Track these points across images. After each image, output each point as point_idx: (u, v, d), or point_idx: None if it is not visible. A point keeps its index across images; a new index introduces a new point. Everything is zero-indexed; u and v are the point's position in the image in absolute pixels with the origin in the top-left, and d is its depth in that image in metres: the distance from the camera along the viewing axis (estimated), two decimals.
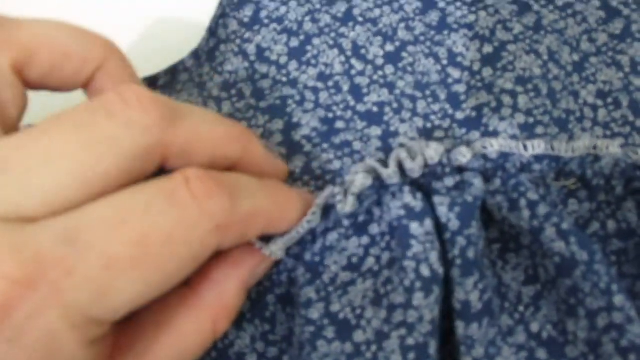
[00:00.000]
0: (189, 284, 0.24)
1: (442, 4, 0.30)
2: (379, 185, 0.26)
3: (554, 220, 0.25)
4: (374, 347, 0.24)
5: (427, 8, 0.30)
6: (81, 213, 0.19)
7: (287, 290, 0.27)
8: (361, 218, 0.26)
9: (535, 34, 0.30)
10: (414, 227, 0.25)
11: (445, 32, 0.30)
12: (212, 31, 0.31)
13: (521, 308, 0.26)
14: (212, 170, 0.21)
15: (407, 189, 0.25)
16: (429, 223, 0.25)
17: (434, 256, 0.24)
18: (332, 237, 0.26)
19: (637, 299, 0.26)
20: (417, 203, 0.25)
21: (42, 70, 0.23)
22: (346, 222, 0.26)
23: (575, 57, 0.30)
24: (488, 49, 0.29)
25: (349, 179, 0.25)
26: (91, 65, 0.24)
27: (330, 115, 0.29)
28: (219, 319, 0.23)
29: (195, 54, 0.31)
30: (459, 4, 0.30)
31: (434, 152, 0.26)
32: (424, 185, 0.26)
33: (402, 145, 0.27)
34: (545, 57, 0.29)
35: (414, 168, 0.26)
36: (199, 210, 0.20)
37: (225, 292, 0.24)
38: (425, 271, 0.24)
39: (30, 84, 0.24)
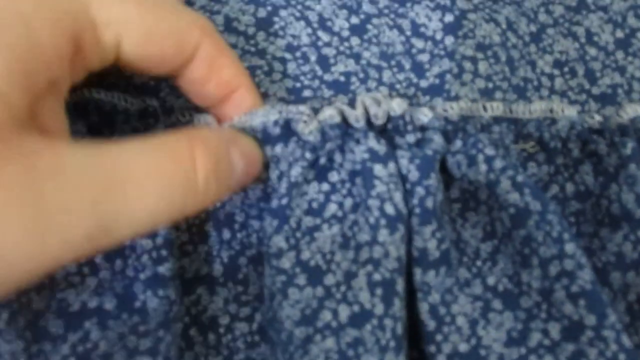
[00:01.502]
0: None
1: None
2: (345, 128, 0.27)
3: (509, 173, 0.27)
4: (343, 288, 0.25)
5: None
6: None
7: (257, 251, 0.28)
8: (322, 161, 0.28)
9: (494, 4, 0.32)
10: (378, 168, 0.26)
11: (408, 4, 0.31)
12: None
13: (479, 263, 0.28)
14: None
15: (371, 134, 0.27)
16: (392, 166, 0.27)
17: (397, 196, 0.26)
18: (296, 171, 0.27)
19: (594, 256, 0.29)
20: (381, 147, 0.27)
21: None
22: (308, 155, 0.27)
23: (533, 28, 0.32)
24: (449, 17, 0.31)
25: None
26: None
27: (298, 85, 0.30)
28: (195, 146, 0.22)
29: None
30: None
31: (396, 105, 0.28)
32: (387, 139, 0.28)
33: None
34: (504, 26, 0.31)
35: (378, 114, 0.27)
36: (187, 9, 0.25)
37: (204, 130, 0.25)
38: (389, 209, 0.26)
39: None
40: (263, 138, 0.27)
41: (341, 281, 0.26)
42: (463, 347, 0.26)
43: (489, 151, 0.28)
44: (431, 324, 0.26)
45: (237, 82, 0.27)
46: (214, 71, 0.26)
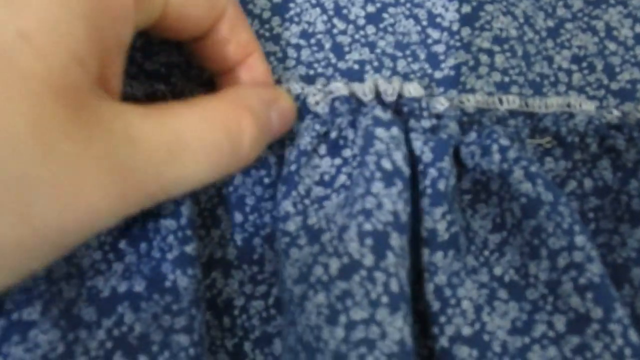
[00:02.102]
0: None
1: None
2: (356, 105, 0.28)
3: (522, 163, 0.27)
4: (335, 241, 0.25)
5: None
6: None
7: (272, 229, 0.29)
8: (333, 135, 0.28)
9: None
10: (379, 130, 0.27)
11: None
12: None
13: (486, 252, 0.28)
14: None
15: (378, 106, 0.28)
16: (395, 130, 0.27)
17: (397, 155, 0.26)
18: (305, 140, 0.28)
19: (614, 252, 0.28)
20: (385, 115, 0.27)
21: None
22: (317, 126, 0.28)
23: (550, 23, 0.32)
24: (466, 8, 0.31)
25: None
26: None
27: (312, 72, 0.30)
28: (243, 117, 0.24)
29: None
30: None
31: (412, 88, 0.28)
32: (402, 123, 0.28)
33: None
34: (521, 20, 0.31)
35: (387, 90, 0.28)
36: None
37: (247, 96, 0.25)
38: (386, 164, 0.26)
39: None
40: None
41: (335, 236, 0.26)
42: (466, 331, 0.25)
43: (504, 141, 0.28)
44: (436, 305, 0.26)
45: (253, 46, 0.27)
46: (234, 33, 0.26)
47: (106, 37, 0.21)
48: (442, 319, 0.26)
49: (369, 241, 0.24)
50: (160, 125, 0.22)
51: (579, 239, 0.25)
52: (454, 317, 0.26)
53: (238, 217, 0.29)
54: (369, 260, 0.24)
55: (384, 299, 0.23)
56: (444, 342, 0.25)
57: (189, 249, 0.26)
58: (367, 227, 0.25)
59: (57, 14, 0.19)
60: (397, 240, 0.25)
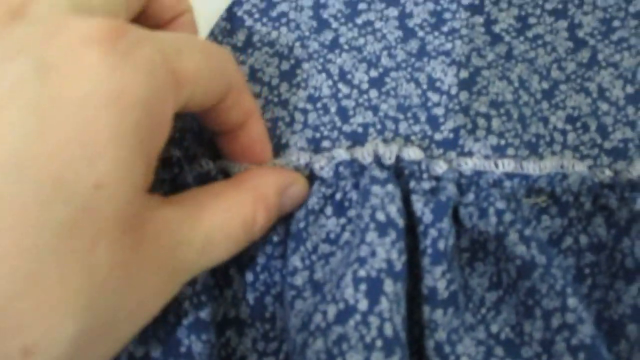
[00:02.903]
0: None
1: (421, 34, 0.34)
2: (358, 168, 0.30)
3: (517, 227, 0.28)
4: (334, 290, 0.27)
5: (408, 37, 0.34)
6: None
7: (282, 288, 0.30)
8: (338, 196, 0.30)
9: (506, 62, 0.33)
10: (375, 188, 0.28)
11: (425, 59, 0.33)
12: None
13: (483, 310, 0.29)
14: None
15: (376, 166, 0.30)
16: (391, 187, 0.28)
17: (391, 208, 0.28)
18: (312, 201, 0.30)
19: (610, 308, 0.29)
20: (382, 174, 0.29)
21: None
22: (323, 189, 0.30)
23: (545, 85, 0.33)
24: (464, 74, 0.33)
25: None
26: (180, 8, 0.30)
27: (318, 135, 0.32)
28: (258, 207, 0.27)
29: None
30: (436, 33, 0.34)
31: (412, 151, 0.30)
32: (403, 184, 0.30)
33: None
34: (516, 84, 0.33)
35: (385, 153, 0.30)
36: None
37: (264, 185, 0.28)
38: (380, 216, 0.27)
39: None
40: None
41: (334, 285, 0.27)
42: None
43: (500, 205, 0.29)
44: None
45: (253, 109, 0.30)
46: (238, 100, 0.28)
47: (155, 150, 0.24)
48: None
49: (363, 287, 0.26)
50: (196, 224, 0.25)
51: (572, 301, 0.27)
52: None
53: (249, 276, 0.30)
54: (363, 305, 0.25)
55: (379, 343, 0.25)
56: None
57: (204, 314, 0.27)
58: (362, 273, 0.26)
59: (126, 159, 0.22)
60: (391, 286, 0.26)
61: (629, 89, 0.34)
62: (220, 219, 0.25)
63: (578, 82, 0.34)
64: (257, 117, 0.30)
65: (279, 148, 0.32)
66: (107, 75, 0.21)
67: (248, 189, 0.27)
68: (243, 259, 0.30)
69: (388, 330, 0.25)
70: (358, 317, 0.25)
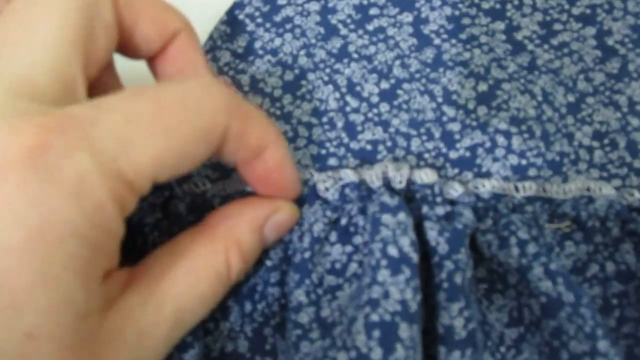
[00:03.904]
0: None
1: (437, 41, 0.32)
2: (366, 191, 0.28)
3: (542, 260, 0.26)
4: (344, 335, 0.25)
5: (423, 45, 0.31)
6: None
7: (281, 318, 0.28)
8: (344, 222, 0.28)
9: (529, 74, 0.31)
10: (386, 217, 0.26)
11: (441, 70, 0.31)
12: None
13: (503, 349, 0.27)
14: None
15: (386, 191, 0.27)
16: (402, 215, 0.26)
17: (404, 241, 0.26)
18: (318, 227, 0.28)
19: None
20: (392, 201, 0.27)
21: (132, 22, 0.26)
22: (329, 213, 0.28)
23: (571, 98, 0.31)
24: (483, 87, 0.31)
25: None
26: (168, 31, 0.27)
27: (323, 151, 0.30)
28: (231, 254, 0.25)
29: None
30: (453, 41, 0.31)
31: (424, 174, 0.28)
32: (415, 210, 0.28)
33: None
34: (540, 98, 0.31)
35: (396, 177, 0.27)
36: (206, 86, 0.24)
37: (236, 227, 0.26)
38: (392, 251, 0.25)
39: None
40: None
41: (345, 329, 0.25)
42: None
43: (523, 234, 0.27)
44: None
45: (269, 139, 0.26)
46: (244, 135, 0.25)
47: (103, 270, 0.22)
48: None
49: (376, 333, 0.24)
50: (163, 303, 0.23)
51: (602, 344, 0.25)
52: None
53: (248, 306, 0.28)
54: (377, 354, 0.23)
55: None
56: None
57: (188, 356, 0.26)
58: (374, 318, 0.24)
59: (60, 303, 0.20)
60: (406, 331, 0.24)
61: None
62: (190, 281, 0.24)
63: (607, 95, 0.31)
64: (276, 145, 0.27)
65: None
66: (27, 210, 0.19)
67: (218, 236, 0.25)
68: (242, 289, 0.29)
69: None
70: None
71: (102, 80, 0.26)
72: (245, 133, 0.25)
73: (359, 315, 0.24)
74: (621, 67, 0.32)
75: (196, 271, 0.24)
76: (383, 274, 0.25)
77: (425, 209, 0.28)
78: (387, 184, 0.28)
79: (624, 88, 0.31)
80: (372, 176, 0.28)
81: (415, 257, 0.25)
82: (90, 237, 0.20)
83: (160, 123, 0.22)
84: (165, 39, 0.27)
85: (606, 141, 0.31)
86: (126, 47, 0.27)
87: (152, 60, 0.28)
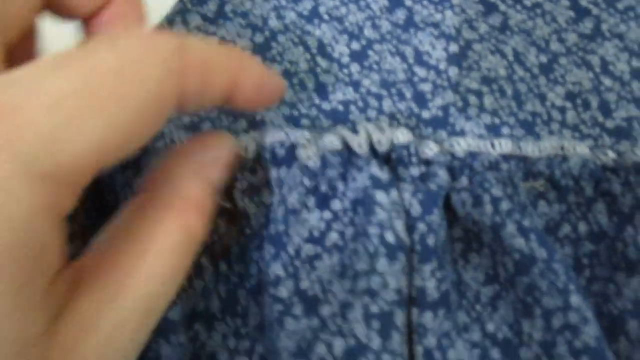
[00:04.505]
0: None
1: (408, 3, 0.31)
2: (347, 156, 0.27)
3: (515, 217, 0.26)
4: (338, 320, 0.25)
5: (394, 6, 0.31)
6: (20, 67, 0.18)
7: (257, 281, 0.28)
8: (323, 188, 0.27)
9: (501, 34, 0.31)
10: (380, 195, 0.26)
11: (412, 31, 0.31)
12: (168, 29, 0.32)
13: (478, 307, 0.27)
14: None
15: (374, 161, 0.27)
16: (395, 193, 0.26)
17: (399, 225, 0.25)
18: (293, 198, 0.27)
19: (609, 302, 0.27)
20: (383, 174, 0.26)
21: None
22: (307, 181, 0.27)
23: (543, 59, 0.31)
24: (454, 47, 0.30)
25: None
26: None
27: (296, 112, 0.30)
28: (188, 216, 0.22)
29: None
30: (425, 2, 0.31)
31: (401, 134, 0.27)
32: (390, 169, 0.27)
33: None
34: (511, 58, 0.31)
35: (381, 140, 0.27)
36: (145, 45, 0.20)
37: (182, 184, 0.23)
38: (390, 238, 0.25)
39: None
40: (270, 159, 0.27)
41: (337, 312, 0.25)
42: None
43: (496, 192, 0.27)
44: None
45: (234, 78, 0.23)
46: (206, 94, 0.23)
47: (43, 284, 0.19)
48: None
49: (376, 324, 0.24)
50: (122, 306, 0.20)
51: (575, 299, 0.25)
52: None
53: (223, 266, 0.28)
54: (376, 343, 0.24)
55: None
56: None
57: (173, 314, 0.25)
58: (374, 309, 0.24)
59: None
60: (401, 318, 0.24)
61: (635, 63, 0.31)
62: (152, 263, 0.21)
63: (579, 55, 0.31)
64: (246, 72, 0.23)
65: (254, 127, 0.29)
66: None
67: (167, 202, 0.22)
68: (215, 248, 0.28)
69: None
70: (371, 356, 0.24)
71: (23, 46, 0.23)
72: (207, 84, 0.22)
73: (357, 303, 0.24)
74: (594, 27, 0.32)
75: (155, 250, 0.21)
76: (382, 263, 0.25)
77: (400, 170, 0.27)
78: (371, 148, 0.27)
79: (597, 48, 0.31)
80: (361, 141, 0.27)
81: (408, 241, 0.25)
82: (21, 256, 0.17)
83: (95, 101, 0.18)
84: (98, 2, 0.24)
85: (579, 101, 0.30)
86: (56, 3, 0.23)
87: (87, 20, 0.24)
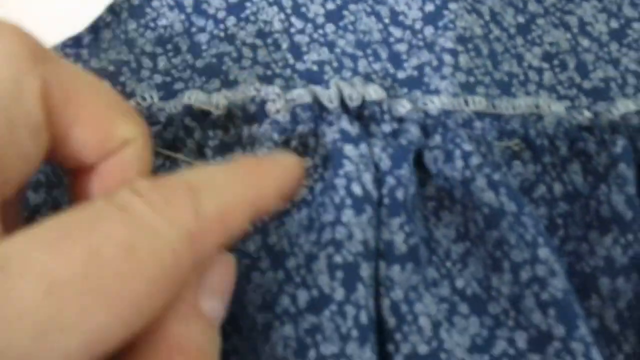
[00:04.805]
0: None
1: None
2: (318, 111, 0.27)
3: (485, 171, 0.26)
4: (303, 271, 0.25)
5: None
6: (12, 237, 0.16)
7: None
8: (294, 144, 0.27)
9: None
10: (348, 148, 0.26)
11: None
12: None
13: (448, 264, 0.27)
14: (163, 176, 0.20)
15: (344, 116, 0.27)
16: (364, 147, 0.26)
17: (367, 177, 0.25)
18: (262, 153, 0.27)
19: (582, 260, 0.28)
20: (353, 129, 0.26)
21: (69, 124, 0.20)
22: (276, 136, 0.27)
23: (521, 19, 0.31)
24: (430, 7, 0.30)
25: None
26: (115, 140, 0.21)
27: (269, 72, 0.30)
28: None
29: (112, 10, 0.31)
30: None
31: (373, 90, 0.27)
32: (362, 126, 0.27)
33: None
34: (487, 18, 0.31)
35: (352, 95, 0.27)
36: (160, 217, 0.17)
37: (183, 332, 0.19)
38: (356, 189, 0.25)
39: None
40: (242, 116, 0.28)
41: (302, 264, 0.25)
42: (422, 349, 0.24)
43: (467, 147, 0.27)
44: (391, 322, 0.25)
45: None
46: None
47: None
48: (398, 336, 0.24)
49: (339, 274, 0.24)
50: None
51: (543, 252, 0.25)
52: (410, 335, 0.25)
53: None
54: (339, 294, 0.24)
55: (354, 333, 0.23)
56: None
57: None
58: (338, 259, 0.24)
59: None
60: (366, 270, 0.24)
61: (614, 24, 0.32)
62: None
63: (557, 16, 0.31)
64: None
65: (227, 85, 0.29)
66: None
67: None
68: None
69: (363, 318, 0.24)
70: (334, 307, 0.23)
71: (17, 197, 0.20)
72: (230, 229, 0.20)
73: (321, 254, 0.24)
74: None
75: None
76: (347, 214, 0.25)
77: (372, 127, 0.28)
78: (342, 104, 0.28)
79: (575, 9, 0.32)
80: (331, 95, 0.27)
81: (375, 194, 0.25)
82: None
83: (99, 291, 0.16)
84: (109, 149, 0.21)
85: (556, 62, 0.31)
86: (56, 156, 0.20)
87: (79, 175, 0.21)
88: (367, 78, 0.29)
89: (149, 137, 0.22)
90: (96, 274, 0.15)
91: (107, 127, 0.21)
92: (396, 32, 0.30)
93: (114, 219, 0.17)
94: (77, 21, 0.31)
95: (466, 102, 0.28)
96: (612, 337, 0.26)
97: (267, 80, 0.29)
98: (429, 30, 0.30)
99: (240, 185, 0.20)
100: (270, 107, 0.27)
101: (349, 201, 0.25)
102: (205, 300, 0.20)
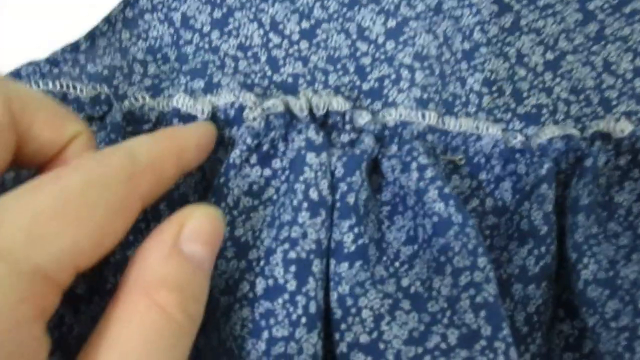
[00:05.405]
0: None
1: None
2: (289, 119, 0.30)
3: (437, 184, 0.29)
4: (262, 262, 0.27)
5: None
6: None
7: None
8: (265, 147, 0.30)
9: (435, 16, 0.33)
10: (310, 156, 0.29)
11: (356, 8, 0.34)
12: (131, 2, 0.34)
13: (397, 264, 0.30)
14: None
15: (312, 126, 0.30)
16: (324, 156, 0.29)
17: (324, 184, 0.28)
18: (235, 153, 0.29)
19: (500, 268, 0.30)
20: (317, 138, 0.29)
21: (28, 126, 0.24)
22: (249, 140, 0.29)
23: (466, 46, 0.34)
24: (392, 23, 0.33)
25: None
26: (65, 135, 0.25)
27: (249, 81, 0.32)
28: (159, 299, 0.22)
29: (108, 20, 0.33)
30: None
31: (336, 102, 0.30)
32: (326, 134, 0.30)
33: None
34: (441, 40, 0.33)
35: (319, 104, 0.30)
36: (108, 166, 0.22)
37: (145, 267, 0.23)
38: (313, 194, 0.28)
39: None
40: (224, 119, 0.30)
41: (262, 256, 0.27)
42: (364, 339, 0.27)
43: (422, 160, 0.30)
44: (338, 313, 0.27)
45: None
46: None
47: None
48: (343, 326, 0.27)
49: (293, 268, 0.26)
50: None
51: (481, 260, 0.27)
52: (353, 325, 0.27)
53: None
54: (292, 285, 0.26)
55: (303, 320, 0.26)
56: (343, 348, 0.27)
57: (130, 252, 0.27)
58: (292, 255, 0.27)
59: None
60: (318, 266, 0.27)
61: (549, 56, 0.34)
62: (128, 347, 0.21)
63: (498, 47, 0.34)
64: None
65: (211, 87, 0.32)
66: None
67: (133, 291, 0.22)
68: (174, 196, 0.30)
69: (312, 307, 0.26)
70: (286, 296, 0.26)
71: None
72: (162, 177, 0.25)
73: (278, 249, 0.27)
74: (513, 21, 0.34)
75: (127, 333, 0.21)
76: (303, 216, 0.27)
77: (333, 136, 0.30)
78: (310, 112, 0.30)
79: (514, 41, 0.34)
80: (302, 104, 0.30)
81: (330, 199, 0.28)
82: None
83: (65, 215, 0.20)
84: (61, 144, 0.25)
85: (494, 88, 0.33)
86: (19, 155, 0.24)
87: (42, 169, 0.25)
88: (337, 90, 0.32)
89: (91, 131, 0.26)
90: (63, 206, 0.20)
91: (58, 126, 0.25)
92: (362, 46, 0.33)
93: (71, 172, 0.22)
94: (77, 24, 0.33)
95: (423, 116, 0.31)
96: (521, 338, 0.29)
97: (247, 88, 0.32)
98: (390, 45, 0.33)
99: (166, 142, 0.25)
100: (248, 114, 0.30)
101: (305, 204, 0.28)
102: (185, 243, 0.23)
